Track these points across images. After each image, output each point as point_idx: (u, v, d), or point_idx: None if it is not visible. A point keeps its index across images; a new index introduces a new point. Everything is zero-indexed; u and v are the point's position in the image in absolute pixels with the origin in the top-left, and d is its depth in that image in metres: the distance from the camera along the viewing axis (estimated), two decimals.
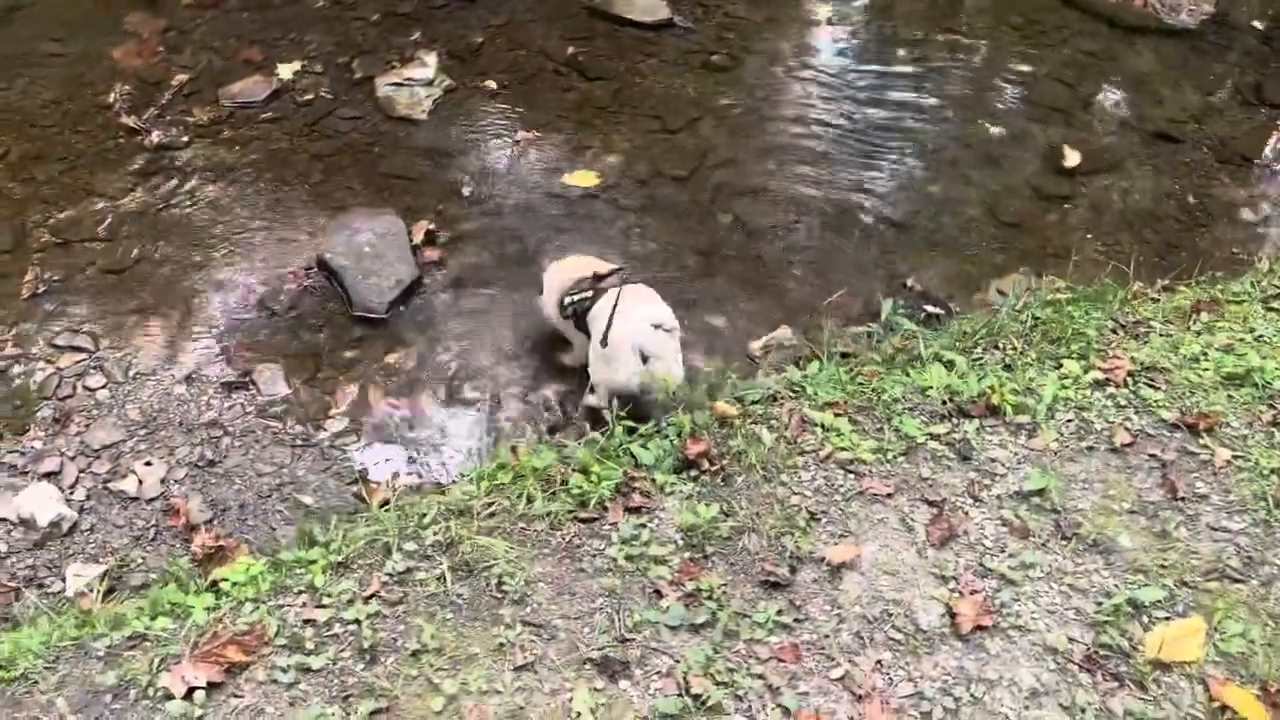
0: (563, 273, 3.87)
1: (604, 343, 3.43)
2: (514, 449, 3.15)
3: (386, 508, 3.05)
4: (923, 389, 3.25)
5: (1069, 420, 3.14)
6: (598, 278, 3.68)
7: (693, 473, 2.95)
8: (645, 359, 3.33)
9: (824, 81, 5.39)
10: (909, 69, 5.50)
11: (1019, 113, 5.29)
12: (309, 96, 5.02)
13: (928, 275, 4.45)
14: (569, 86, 5.23)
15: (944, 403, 3.20)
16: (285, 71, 5.09)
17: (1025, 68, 5.56)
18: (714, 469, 2.93)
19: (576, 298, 3.67)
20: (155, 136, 4.72)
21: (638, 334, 3.34)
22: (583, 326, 3.66)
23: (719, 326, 4.17)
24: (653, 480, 2.90)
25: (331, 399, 3.87)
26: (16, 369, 3.85)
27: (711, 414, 3.19)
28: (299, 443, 3.72)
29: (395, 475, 3.63)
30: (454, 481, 3.46)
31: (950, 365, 3.36)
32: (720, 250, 4.52)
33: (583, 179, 4.77)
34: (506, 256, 4.43)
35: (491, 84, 5.19)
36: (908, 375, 3.37)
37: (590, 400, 3.67)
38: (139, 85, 4.98)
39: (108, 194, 4.48)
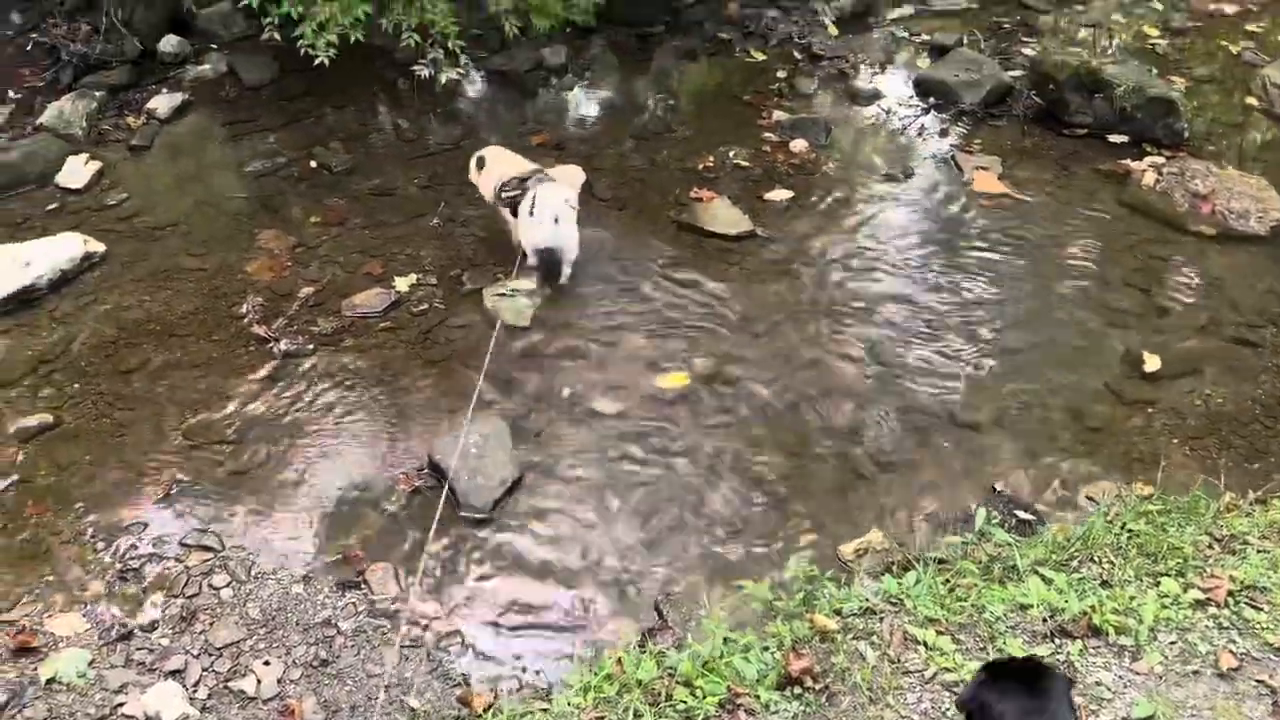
0: (498, 166, 5.67)
1: (531, 213, 5.34)
2: (619, 660, 3.24)
3: (490, 713, 3.15)
4: (1023, 606, 3.30)
5: (1172, 642, 3.15)
6: (522, 180, 5.47)
7: (796, 689, 3.01)
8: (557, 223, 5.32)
9: (900, 285, 5.65)
10: (981, 273, 5.74)
11: (1095, 316, 5.45)
12: (423, 307, 5.44)
13: (1015, 479, 4.52)
14: (659, 294, 5.57)
15: (1045, 620, 3.23)
16: (402, 284, 5.53)
17: (1097, 271, 5.77)
18: (818, 687, 2.99)
19: (510, 194, 5.50)
20: (283, 345, 5.13)
21: (554, 207, 5.30)
22: (514, 212, 5.50)
23: (810, 528, 4.28)
24: (757, 697, 2.97)
25: (438, 600, 4.04)
26: (149, 568, 4.11)
27: (811, 626, 3.27)
28: (407, 643, 3.87)
29: (498, 680, 3.74)
30: (558, 689, 3.55)
31: (1048, 581, 3.40)
32: (808, 450, 4.68)
33: (674, 381, 5.02)
34: (604, 457, 4.64)
35: (588, 292, 5.56)
36: (1005, 588, 3.43)
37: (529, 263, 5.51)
38: (269, 297, 5.45)
39: (238, 399, 4.85)
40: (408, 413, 4.86)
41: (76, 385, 4.89)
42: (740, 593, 3.87)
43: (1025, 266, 5.81)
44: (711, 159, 6.65)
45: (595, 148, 6.87)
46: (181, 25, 7.68)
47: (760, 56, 7.94)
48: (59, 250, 5.53)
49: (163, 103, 6.96)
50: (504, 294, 5.53)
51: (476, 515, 4.36)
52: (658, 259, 5.81)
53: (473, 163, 5.84)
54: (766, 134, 6.94)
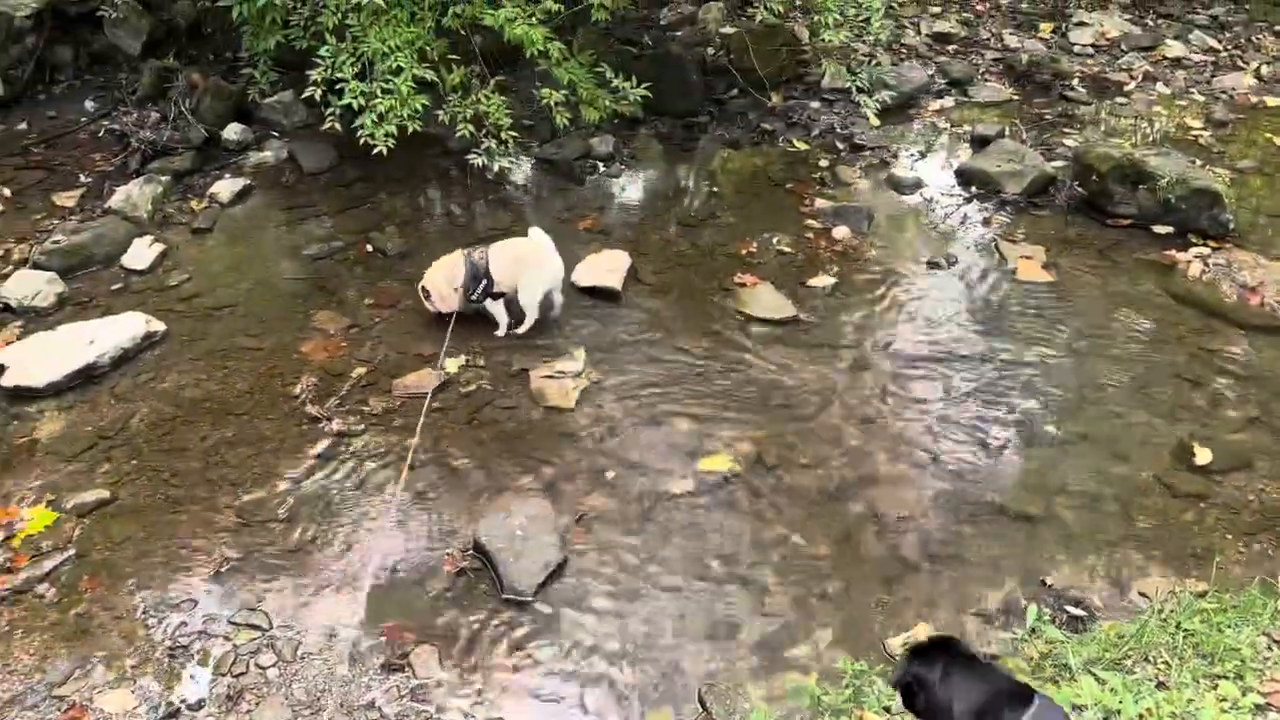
0: (446, 271, 5.86)
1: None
2: None
3: None
4: (1076, 706, 3.23)
5: None
6: (472, 262, 5.81)
7: None
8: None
9: (944, 372, 5.65)
10: (1027, 362, 5.73)
11: (1144, 407, 5.41)
12: (471, 388, 5.53)
13: (1066, 573, 4.46)
14: (703, 378, 5.62)
15: None
16: (451, 365, 5.65)
17: (1145, 361, 5.74)
18: None
19: (480, 288, 5.83)
20: (335, 424, 5.24)
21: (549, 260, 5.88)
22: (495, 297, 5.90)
23: (856, 621, 4.24)
24: None
25: (481, 684, 4.03)
26: (197, 645, 4.15)
27: None
28: None
29: None
30: None
31: (1102, 681, 3.33)
32: (853, 539, 4.65)
33: (718, 464, 5.04)
34: (647, 541, 4.65)
35: (633, 375, 5.63)
36: (1059, 688, 3.36)
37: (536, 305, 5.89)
38: (323, 377, 5.57)
39: (289, 478, 4.94)
40: (454, 493, 4.91)
41: (134, 462, 5.01)
42: (787, 685, 3.83)
43: (1072, 356, 5.80)
44: (755, 245, 6.76)
45: (640, 233, 7.02)
46: (245, 114, 8.03)
47: (803, 146, 8.11)
48: (122, 329, 5.72)
49: (225, 187, 7.24)
50: (550, 375, 5.62)
51: (520, 598, 4.37)
52: (702, 343, 5.88)
53: (421, 296, 5.95)
54: (809, 221, 7.06)
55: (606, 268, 6.42)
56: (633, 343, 5.88)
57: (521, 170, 7.74)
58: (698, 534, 4.67)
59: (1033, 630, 3.91)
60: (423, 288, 5.91)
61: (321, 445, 5.14)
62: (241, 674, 4.02)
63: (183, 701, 3.92)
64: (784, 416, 5.35)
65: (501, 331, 5.97)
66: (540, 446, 5.19)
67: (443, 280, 5.86)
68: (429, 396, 5.38)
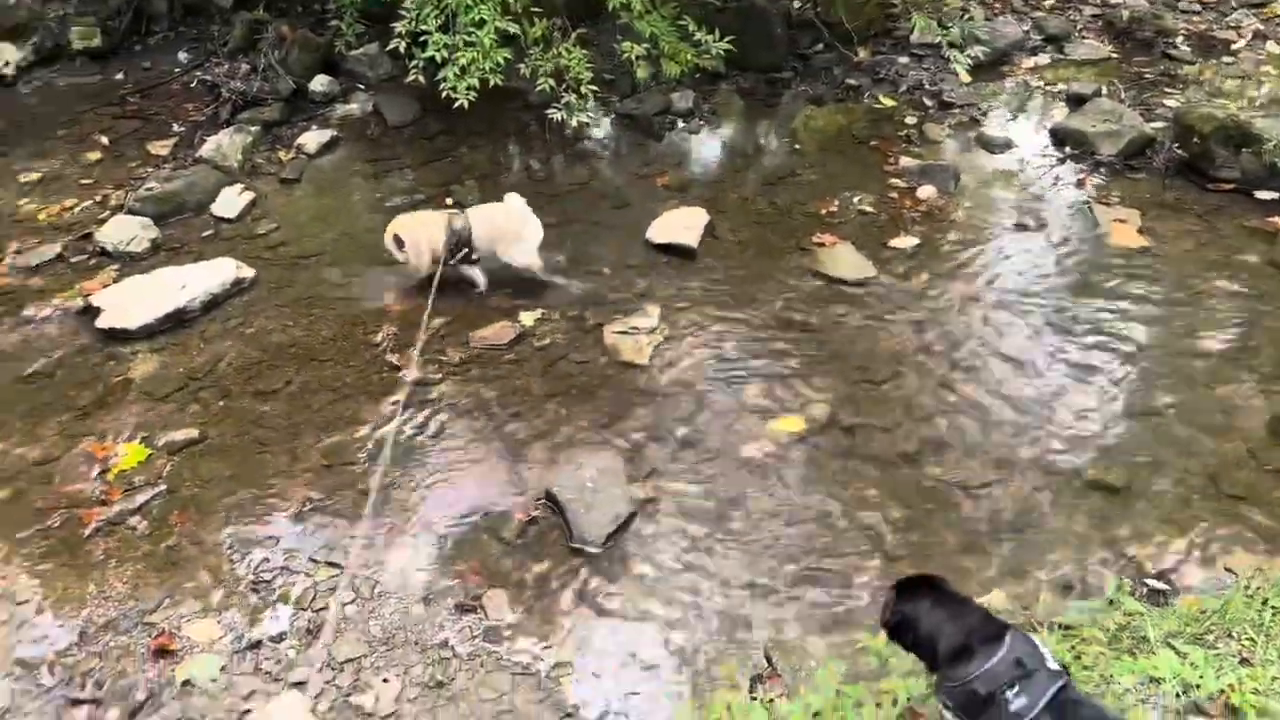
0: (426, 231, 5.74)
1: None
2: (728, 706, 3.23)
3: None
4: (1154, 679, 3.16)
5: None
6: (455, 230, 5.73)
7: None
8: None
9: (1029, 338, 5.50)
10: (1116, 329, 5.54)
11: (1238, 378, 5.20)
12: (546, 342, 5.57)
13: (1147, 546, 4.33)
14: (778, 337, 5.57)
15: (1178, 696, 3.08)
16: (527, 319, 5.69)
17: (1241, 331, 5.50)
18: None
19: (459, 256, 5.78)
20: (414, 373, 5.34)
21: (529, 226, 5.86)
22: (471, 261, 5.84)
23: None
24: None
25: (550, 629, 4.10)
26: (279, 580, 4.31)
27: (928, 683, 3.20)
28: (519, 670, 3.94)
29: (605, 714, 3.77)
30: None
31: (1182, 655, 3.25)
32: (926, 505, 4.58)
33: (789, 426, 5.00)
34: (715, 498, 4.65)
35: (707, 333, 5.60)
36: (1135, 660, 3.28)
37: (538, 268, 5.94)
38: (403, 327, 5.67)
39: (369, 423, 5.06)
40: (528, 443, 4.97)
41: (221, 403, 5.19)
42: (855, 646, 3.82)
43: (1164, 324, 5.59)
44: (836, 204, 6.64)
45: (718, 190, 6.95)
46: (332, 66, 8.15)
47: (889, 103, 7.91)
48: (212, 275, 5.90)
49: (312, 139, 7.38)
50: (624, 331, 5.63)
51: (589, 548, 4.42)
52: (778, 302, 5.81)
53: (389, 243, 5.81)
54: (893, 180, 6.90)
55: (683, 225, 6.38)
56: (707, 301, 5.85)
57: (601, 125, 7.72)
58: (767, 494, 4.66)
59: (1111, 602, 3.81)
60: (395, 236, 5.76)
61: (401, 393, 5.25)
62: (322, 610, 4.16)
63: (265, 634, 4.07)
64: (860, 379, 5.27)
65: (482, 287, 5.96)
66: (612, 401, 5.21)
67: (423, 239, 5.75)
68: (506, 349, 5.45)
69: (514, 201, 5.94)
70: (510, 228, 5.88)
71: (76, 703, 3.83)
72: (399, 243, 5.77)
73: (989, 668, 2.80)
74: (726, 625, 4.09)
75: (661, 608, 4.17)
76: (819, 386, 5.22)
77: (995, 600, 4.08)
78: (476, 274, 5.96)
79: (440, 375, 5.36)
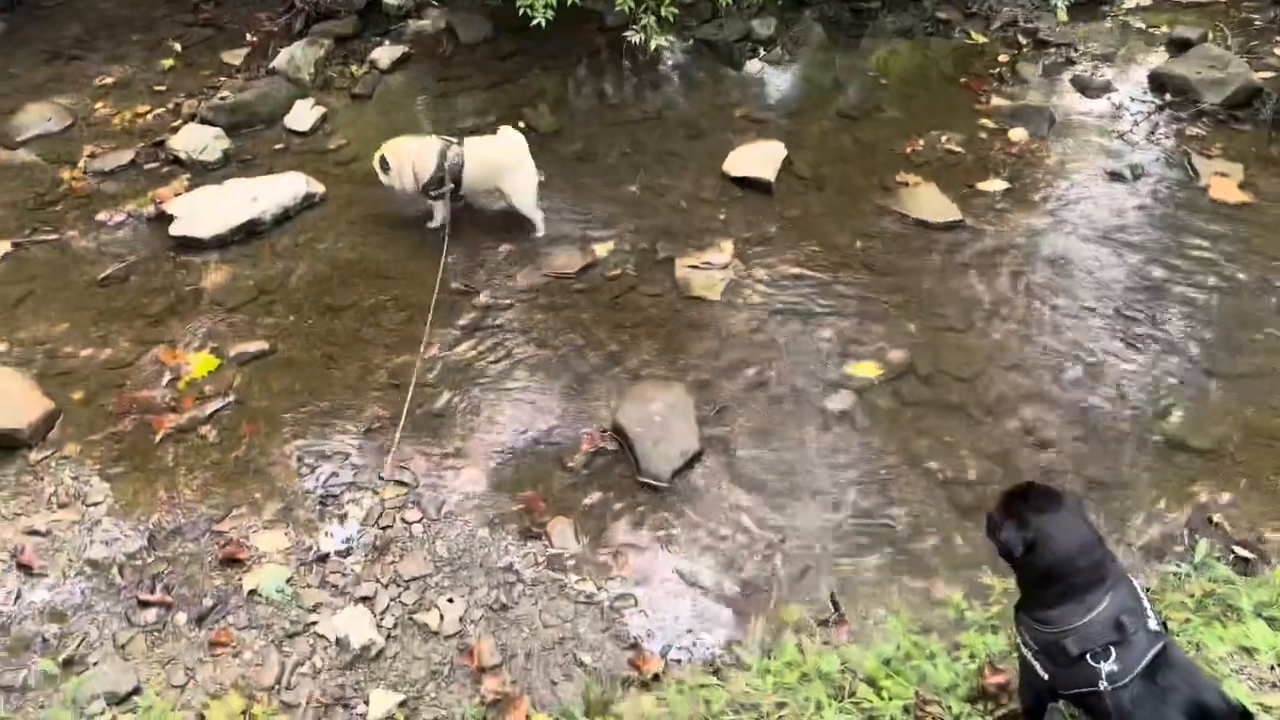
0: (415, 155, 5.54)
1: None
2: (799, 647, 3.17)
3: (661, 680, 3.14)
4: (1246, 649, 3.03)
5: None
6: (445, 161, 5.49)
7: (990, 705, 2.87)
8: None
9: (1120, 293, 5.27)
10: (1212, 288, 5.29)
11: None
12: (616, 272, 5.46)
13: (1235, 513, 4.16)
14: (855, 279, 5.40)
15: (1273, 668, 2.96)
16: (598, 249, 5.58)
17: None
18: (1014, 707, 2.84)
19: (442, 189, 5.53)
20: (483, 297, 5.27)
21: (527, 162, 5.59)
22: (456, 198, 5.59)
23: None
24: (948, 707, 2.84)
25: (613, 560, 4.07)
26: (347, 496, 4.31)
27: (1009, 641, 3.10)
28: (582, 599, 3.91)
29: (668, 648, 3.74)
30: (733, 667, 3.50)
31: (1277, 625, 3.11)
32: (1006, 456, 4.43)
33: (865, 370, 4.86)
34: (786, 439, 4.55)
35: (782, 271, 5.45)
36: (1225, 628, 3.16)
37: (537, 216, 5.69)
38: (472, 249, 5.59)
39: (438, 344, 5.02)
40: (594, 374, 4.89)
41: (291, 318, 5.17)
42: (928, 597, 3.73)
43: (1261, 284, 5.31)
44: (921, 143, 6.39)
45: (798, 123, 6.72)
46: None
47: (981, 39, 7.57)
48: (283, 188, 5.86)
49: (384, 54, 7.25)
50: (696, 266, 5.50)
51: (656, 483, 4.36)
52: (856, 242, 5.63)
53: (376, 164, 5.65)
54: (983, 120, 6.62)
55: (760, 158, 6.18)
56: (783, 238, 5.68)
57: (678, 51, 7.48)
58: (840, 438, 4.55)
59: (1197, 567, 3.67)
60: (382, 157, 5.60)
61: (469, 316, 5.19)
62: (388, 527, 4.17)
63: (332, 548, 4.09)
64: (940, 325, 5.10)
65: (436, 224, 5.67)
66: (683, 336, 5.11)
67: (408, 164, 5.55)
68: (575, 278, 5.36)
69: (511, 137, 5.66)
70: (506, 163, 5.63)
71: (146, 604, 3.88)
72: (384, 164, 5.60)
73: (1083, 624, 2.56)
74: (793, 568, 4.01)
75: (727, 547, 4.11)
76: (897, 332, 5.06)
77: None
78: (439, 209, 5.65)
79: (509, 301, 5.29)
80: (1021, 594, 2.77)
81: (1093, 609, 2.57)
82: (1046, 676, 2.60)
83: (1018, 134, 6.46)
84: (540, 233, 5.69)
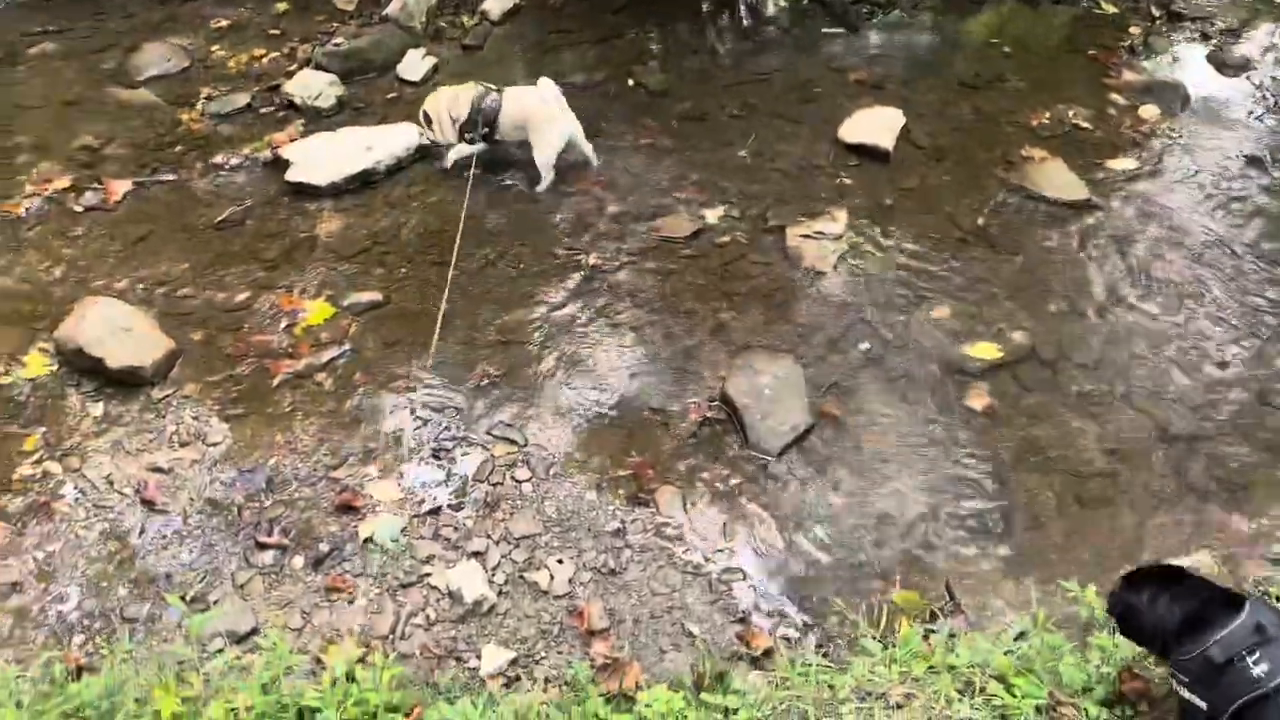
0: (449, 100, 5.58)
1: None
2: (925, 637, 3.11)
3: (774, 659, 3.11)
4: None
5: None
6: (481, 106, 5.53)
7: (1127, 711, 2.78)
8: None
9: (1259, 284, 5.03)
10: None
11: None
12: (726, 239, 5.37)
13: None
14: (975, 255, 5.23)
15: None
16: (708, 214, 5.49)
17: None
18: (1152, 714, 2.74)
19: (478, 133, 5.56)
20: (591, 259, 5.23)
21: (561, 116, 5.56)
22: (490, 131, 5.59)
23: (1129, 539, 3.93)
24: (1084, 710, 2.76)
25: (722, 532, 4.03)
26: (459, 451, 4.34)
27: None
28: (689, 569, 3.89)
29: (777, 625, 3.70)
30: (841, 648, 3.46)
31: None
32: (1132, 451, 4.28)
33: (984, 352, 4.72)
34: (900, 420, 4.45)
35: (898, 244, 5.31)
36: None
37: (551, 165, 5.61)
38: (580, 211, 5.55)
39: (547, 304, 5.00)
40: (701, 342, 4.83)
41: (404, 269, 5.19)
42: (1048, 592, 3.62)
43: None
44: (1047, 116, 6.14)
45: (917, 90, 6.50)
46: None
47: (1111, 9, 7.23)
48: (397, 139, 5.86)
49: (496, 5, 7.20)
50: (808, 235, 5.38)
51: (764, 456, 4.31)
52: (977, 217, 5.45)
53: (421, 121, 5.70)
54: (1113, 95, 6.33)
55: (877, 125, 6.01)
56: (900, 209, 5.53)
57: (793, 11, 7.28)
58: (956, 421, 4.42)
59: None
60: (424, 113, 5.65)
61: (577, 278, 5.16)
62: (498, 484, 4.18)
63: (444, 501, 4.12)
64: (1064, 309, 4.93)
65: (448, 165, 5.72)
66: (793, 307, 5.01)
67: (445, 111, 5.58)
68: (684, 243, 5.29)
69: (547, 90, 5.58)
70: (538, 115, 5.56)
71: (264, 546, 3.97)
72: (426, 119, 5.63)
73: (1226, 634, 2.61)
74: (905, 553, 3.93)
75: (836, 527, 4.04)
76: (1018, 313, 4.90)
77: (1199, 562, 3.80)
78: (453, 154, 5.71)
79: (617, 263, 5.24)
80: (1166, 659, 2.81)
81: (1230, 622, 2.63)
82: (1205, 706, 2.56)
83: (1149, 110, 6.17)
84: (543, 188, 5.65)
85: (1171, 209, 5.49)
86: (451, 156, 5.72)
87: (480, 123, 5.54)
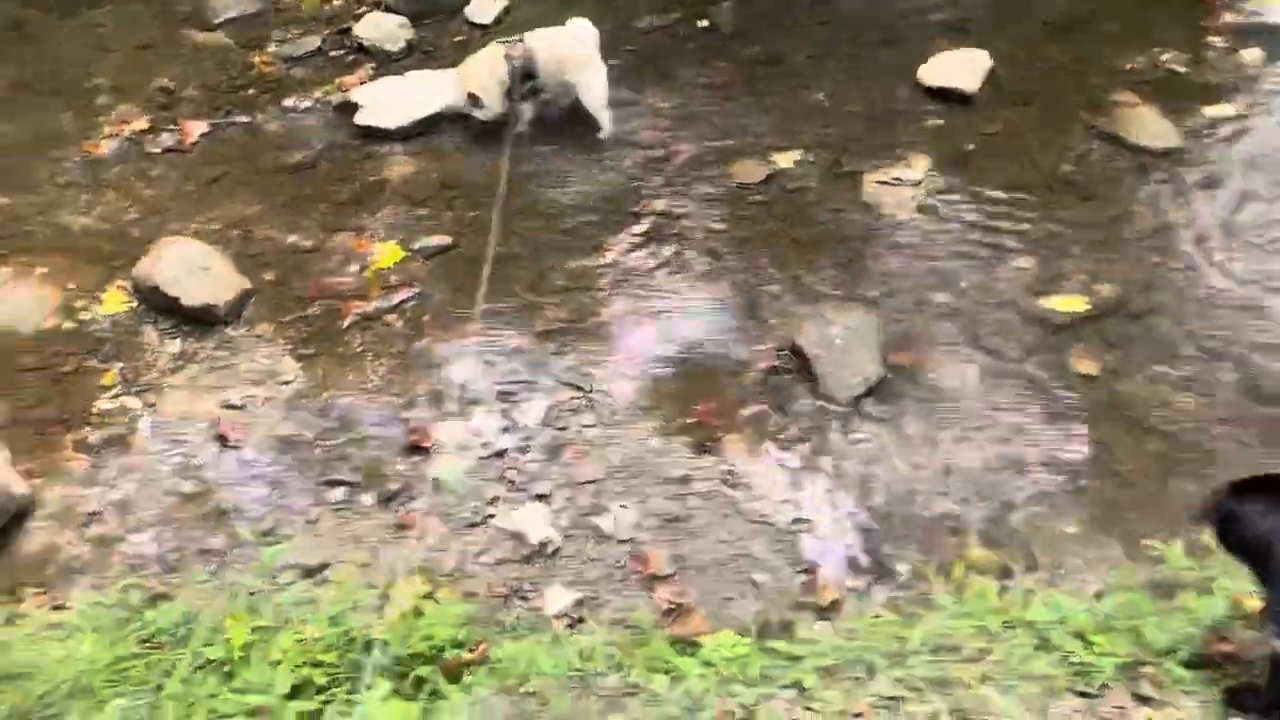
0: (488, 66, 5.31)
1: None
2: (1002, 593, 3.02)
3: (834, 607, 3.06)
4: None
5: None
6: (514, 62, 5.27)
7: (1214, 674, 2.66)
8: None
9: None
10: None
11: None
12: (798, 184, 5.23)
13: None
14: (1060, 204, 5.02)
15: None
16: (780, 160, 5.35)
17: None
18: (1241, 678, 2.63)
19: (527, 88, 5.33)
20: (660, 204, 5.14)
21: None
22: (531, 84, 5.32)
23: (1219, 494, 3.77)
24: (1168, 671, 2.65)
25: (789, 482, 3.97)
26: (524, 394, 4.33)
27: (1233, 606, 2.87)
28: (756, 519, 3.84)
29: (844, 577, 3.64)
30: (911, 603, 3.39)
31: None
32: (1225, 408, 4.09)
33: (1069, 305, 4.54)
34: (977, 375, 4.31)
35: (980, 192, 5.11)
36: None
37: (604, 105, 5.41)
38: (648, 156, 5.44)
39: (615, 250, 4.94)
40: (772, 290, 4.73)
41: (473, 214, 5.15)
42: (1128, 552, 3.50)
43: None
44: (1140, 59, 5.83)
45: (1002, 30, 6.18)
46: None
47: None
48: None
49: None
50: (884, 181, 5.22)
51: (834, 407, 4.22)
52: (1063, 164, 5.22)
53: (469, 105, 5.45)
54: (1212, 38, 5.97)
55: (961, 67, 5.77)
56: (983, 155, 5.32)
57: None
58: (1036, 375, 4.27)
59: None
60: (470, 94, 5.38)
61: (645, 223, 5.08)
62: (563, 429, 4.17)
63: (510, 444, 4.12)
64: (1155, 261, 4.70)
65: (523, 127, 5.41)
66: (868, 256, 4.87)
67: (486, 76, 5.30)
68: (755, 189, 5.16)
69: (580, 26, 5.38)
70: (577, 56, 5.35)
71: (335, 483, 4.02)
72: (475, 100, 5.39)
73: None
74: (979, 509, 3.83)
75: (908, 481, 3.94)
76: (1105, 265, 4.70)
77: None
78: (527, 111, 5.44)
79: (686, 209, 5.14)
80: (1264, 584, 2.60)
81: None
82: None
83: (1251, 55, 5.81)
84: (606, 133, 5.46)
85: (1271, 161, 5.19)
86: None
87: (527, 76, 5.35)
